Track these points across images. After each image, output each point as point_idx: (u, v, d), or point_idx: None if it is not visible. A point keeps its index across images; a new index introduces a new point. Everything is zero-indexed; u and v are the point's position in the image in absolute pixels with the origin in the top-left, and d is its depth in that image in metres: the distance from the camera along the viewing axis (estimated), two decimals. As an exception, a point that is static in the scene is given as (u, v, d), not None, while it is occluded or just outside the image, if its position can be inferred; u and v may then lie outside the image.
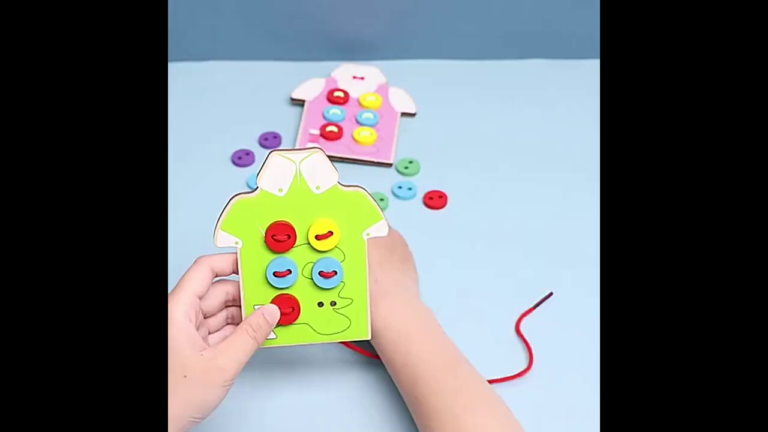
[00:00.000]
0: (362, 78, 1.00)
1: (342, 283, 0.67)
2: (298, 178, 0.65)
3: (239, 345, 0.63)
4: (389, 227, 0.67)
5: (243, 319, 0.66)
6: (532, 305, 0.79)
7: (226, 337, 0.64)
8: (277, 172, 0.64)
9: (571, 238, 0.85)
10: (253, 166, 0.91)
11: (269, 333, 0.65)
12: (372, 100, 0.97)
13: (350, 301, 0.67)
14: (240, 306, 0.66)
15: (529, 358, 0.75)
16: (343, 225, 0.66)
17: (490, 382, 0.70)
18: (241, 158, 0.92)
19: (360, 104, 0.97)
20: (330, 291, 0.67)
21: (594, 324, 0.76)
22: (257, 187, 0.65)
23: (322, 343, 0.69)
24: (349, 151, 0.92)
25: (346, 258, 0.66)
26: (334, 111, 0.96)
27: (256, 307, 0.66)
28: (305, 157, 0.64)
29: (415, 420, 0.68)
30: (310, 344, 0.68)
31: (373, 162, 0.92)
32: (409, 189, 0.89)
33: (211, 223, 0.65)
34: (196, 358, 0.61)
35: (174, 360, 0.60)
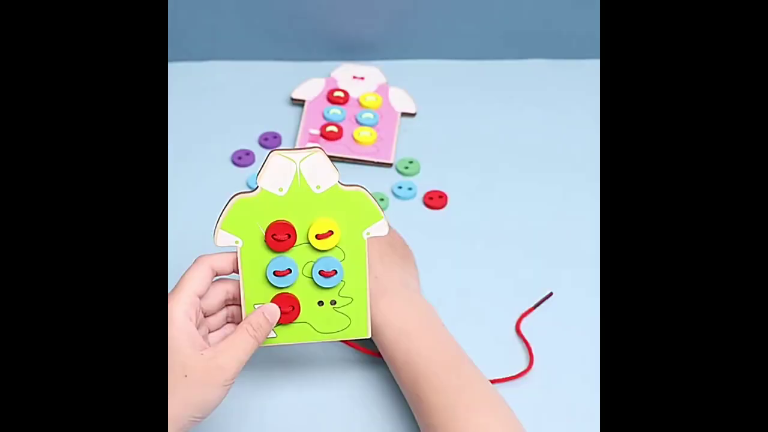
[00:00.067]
0: (362, 78, 1.00)
1: (342, 282, 0.67)
2: (298, 177, 0.65)
3: (239, 344, 0.63)
4: (389, 226, 0.67)
5: (243, 318, 0.66)
6: (532, 305, 0.79)
7: (226, 336, 0.64)
8: (277, 172, 0.64)
9: (571, 238, 0.85)
10: (253, 166, 0.91)
11: (269, 332, 0.65)
12: (372, 100, 0.97)
13: (350, 300, 0.67)
14: (240, 305, 0.66)
15: (530, 358, 0.75)
16: (344, 224, 0.66)
17: (491, 382, 0.70)
18: (241, 158, 0.92)
19: (360, 104, 0.97)
20: (330, 290, 0.67)
21: (594, 324, 0.76)
22: (257, 187, 0.65)
23: (322, 342, 0.69)
24: (349, 151, 0.92)
25: (346, 257, 0.66)
26: (334, 111, 0.96)
27: (256, 306, 0.66)
28: (305, 157, 0.64)
29: (416, 418, 0.68)
30: (310, 343, 0.68)
31: (373, 162, 0.92)
32: (409, 189, 0.89)
33: (211, 223, 0.65)
34: (196, 358, 0.61)
35: (174, 359, 0.60)
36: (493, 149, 0.94)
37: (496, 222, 0.87)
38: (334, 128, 0.93)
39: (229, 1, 0.98)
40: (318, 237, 0.65)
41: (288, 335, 0.67)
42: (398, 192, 0.89)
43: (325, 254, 0.66)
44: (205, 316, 0.66)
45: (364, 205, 0.66)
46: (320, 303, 0.67)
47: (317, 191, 0.65)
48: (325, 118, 0.95)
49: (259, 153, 0.92)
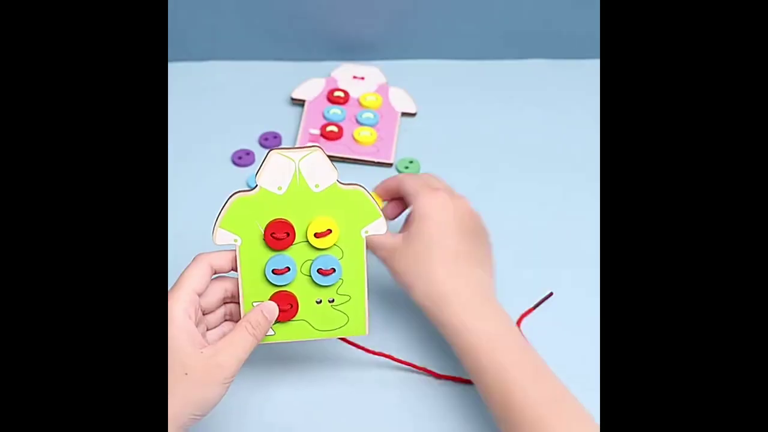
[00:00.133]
0: (362, 78, 1.00)
1: (340, 280, 0.67)
2: (297, 176, 0.65)
3: (239, 342, 0.63)
4: (472, 210, 0.72)
5: (242, 316, 0.66)
6: (532, 305, 0.79)
7: (224, 334, 0.64)
8: (276, 171, 0.65)
9: (571, 238, 0.85)
10: (253, 166, 0.91)
11: (268, 330, 0.66)
12: (372, 100, 0.97)
13: (348, 297, 0.67)
14: (238, 303, 0.67)
15: (529, 358, 0.75)
16: (342, 223, 0.66)
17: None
18: (241, 158, 0.92)
19: (360, 104, 0.97)
20: (328, 288, 0.67)
21: (594, 324, 0.76)
22: (257, 186, 0.65)
23: (320, 340, 0.69)
24: (350, 151, 0.92)
25: (345, 255, 0.67)
26: (335, 111, 0.96)
27: (254, 304, 0.66)
28: (304, 156, 0.64)
29: (501, 428, 0.66)
30: (308, 341, 0.68)
31: (373, 162, 0.92)
32: (409, 189, 0.89)
33: (211, 223, 0.65)
34: (196, 356, 0.61)
35: (174, 358, 0.60)
36: (493, 149, 0.94)
37: (496, 222, 0.87)
38: (334, 128, 0.93)
39: (229, 1, 0.98)
40: (317, 235, 0.66)
41: (286, 333, 0.67)
42: (398, 192, 0.89)
43: (323, 252, 0.66)
44: (203, 314, 0.66)
45: (362, 203, 0.66)
46: (318, 301, 0.67)
47: (316, 190, 0.65)
48: (325, 118, 0.95)
49: (260, 153, 0.92)
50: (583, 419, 0.64)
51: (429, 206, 0.71)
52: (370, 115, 0.96)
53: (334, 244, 0.66)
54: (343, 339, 0.72)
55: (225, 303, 0.67)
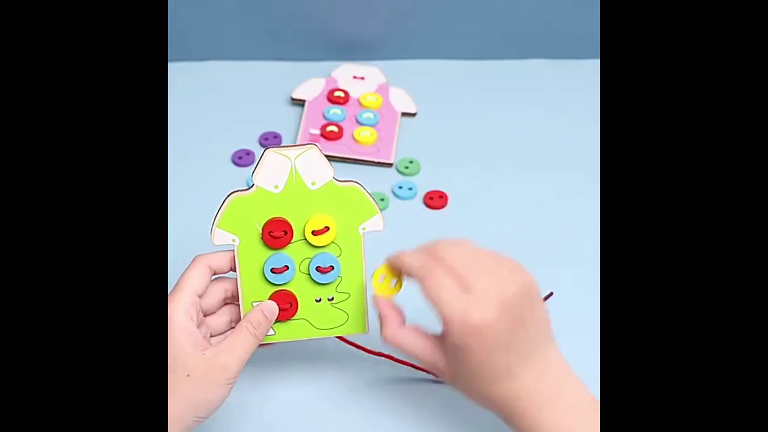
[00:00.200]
0: (362, 78, 1.00)
1: (339, 278, 0.67)
2: (293, 174, 0.65)
3: (240, 343, 0.63)
4: (523, 272, 0.61)
5: (242, 316, 0.66)
6: (532, 305, 0.79)
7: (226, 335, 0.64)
8: (272, 169, 0.65)
9: (571, 238, 0.85)
10: (253, 166, 0.91)
11: (269, 329, 0.66)
12: (372, 100, 0.97)
13: (347, 295, 0.67)
14: (239, 304, 0.67)
15: (530, 358, 0.75)
16: (339, 220, 0.66)
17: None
18: (242, 158, 0.92)
19: (360, 104, 0.97)
20: (327, 286, 0.67)
21: (594, 324, 0.76)
22: (253, 185, 0.65)
23: (320, 338, 0.69)
24: (350, 151, 0.92)
25: (343, 253, 0.67)
26: (335, 111, 0.96)
27: (254, 304, 0.66)
28: (300, 154, 0.65)
29: None
30: (308, 340, 0.68)
31: (373, 162, 0.92)
32: (410, 189, 0.89)
33: (211, 223, 0.65)
34: (197, 357, 0.61)
35: (176, 359, 0.60)
36: (493, 149, 0.94)
37: (496, 222, 0.87)
38: (334, 128, 0.93)
39: (229, 1, 0.98)
40: (314, 233, 0.66)
41: (287, 332, 0.68)
42: (398, 192, 0.89)
43: (321, 250, 0.66)
44: (204, 316, 0.66)
45: (359, 200, 0.66)
46: (318, 300, 0.67)
47: (312, 188, 0.65)
48: (325, 117, 0.95)
49: (260, 153, 0.92)
50: None
51: (460, 335, 0.58)
52: (370, 115, 0.96)
53: (332, 242, 0.66)
54: (342, 339, 0.72)
55: (226, 304, 0.67)
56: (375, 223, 0.67)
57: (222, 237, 0.65)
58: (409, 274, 0.63)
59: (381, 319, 0.64)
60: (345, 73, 1.00)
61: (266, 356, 0.74)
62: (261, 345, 0.66)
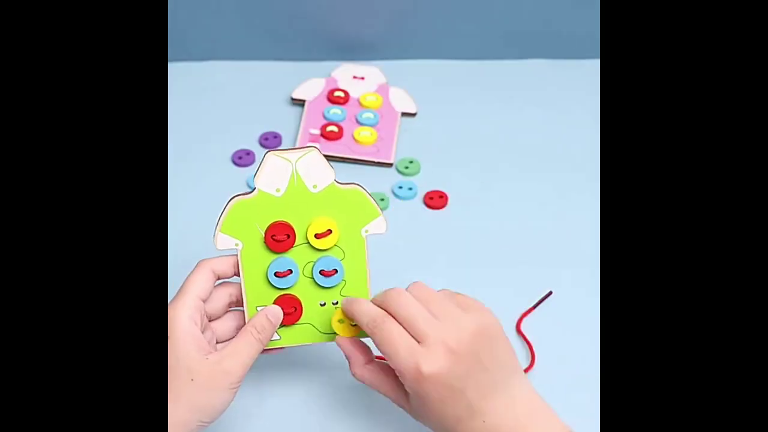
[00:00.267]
0: (362, 78, 1.00)
1: (343, 282, 0.67)
2: (294, 177, 0.65)
3: (244, 347, 0.63)
4: (482, 312, 0.62)
5: (246, 321, 0.66)
6: (532, 305, 0.79)
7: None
8: (273, 172, 0.64)
9: (571, 238, 0.85)
10: (253, 166, 0.91)
11: (273, 334, 0.65)
12: (372, 100, 0.97)
13: None
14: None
15: (531, 357, 0.75)
16: (342, 223, 0.66)
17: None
18: (242, 158, 0.92)
19: (360, 104, 0.97)
20: (331, 290, 0.67)
21: (594, 323, 0.76)
22: (255, 188, 0.65)
23: (325, 343, 0.68)
24: (350, 151, 0.92)
25: (346, 256, 0.66)
26: (335, 111, 0.96)
27: (258, 308, 0.66)
28: (301, 156, 0.64)
29: None
30: (313, 344, 0.68)
31: (373, 162, 0.92)
32: (410, 189, 0.89)
33: (211, 224, 0.65)
34: (201, 362, 0.61)
35: (180, 364, 0.60)
36: (493, 149, 0.94)
37: (496, 222, 0.87)
38: (334, 128, 0.93)
39: (229, 1, 0.98)
40: (317, 236, 0.65)
41: (291, 337, 0.67)
42: (398, 192, 0.89)
43: (324, 254, 0.66)
44: (210, 321, 0.66)
45: (361, 202, 0.66)
46: (322, 303, 0.67)
47: (314, 190, 0.65)
48: (325, 117, 0.95)
49: (260, 153, 0.92)
50: None
51: (414, 383, 0.60)
52: (370, 115, 0.96)
53: (335, 245, 0.66)
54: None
55: (231, 309, 0.67)
56: (378, 225, 0.67)
57: (225, 241, 0.65)
58: (361, 327, 0.64)
59: (347, 358, 0.66)
60: (345, 73, 1.00)
61: (268, 360, 0.72)
62: (266, 350, 0.66)
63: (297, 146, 0.92)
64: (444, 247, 0.84)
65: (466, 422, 0.60)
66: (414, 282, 0.65)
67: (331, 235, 0.66)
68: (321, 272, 0.66)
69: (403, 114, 0.97)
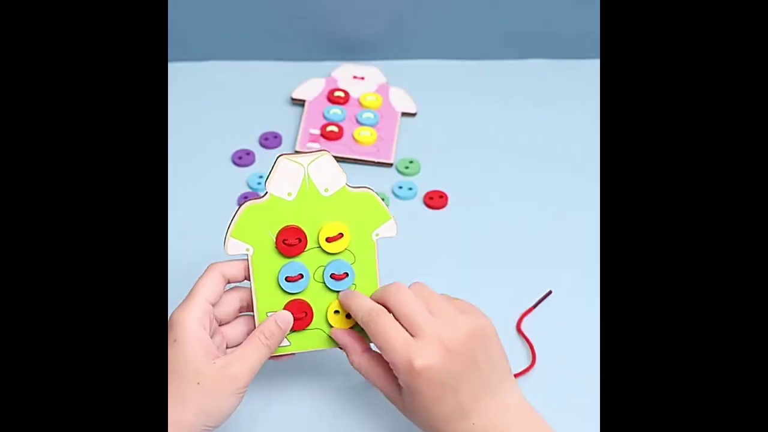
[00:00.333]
0: (362, 78, 1.00)
1: (353, 285, 0.66)
2: (306, 181, 0.65)
3: (251, 353, 0.63)
4: (477, 315, 0.63)
5: (256, 326, 0.65)
6: (531, 305, 0.79)
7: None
8: (285, 177, 0.64)
9: (571, 238, 0.85)
10: (253, 166, 0.91)
11: (282, 339, 0.65)
12: (372, 100, 0.97)
13: None
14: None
15: (532, 357, 0.75)
16: (353, 227, 0.66)
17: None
18: (242, 158, 0.92)
19: (360, 104, 0.97)
20: None
21: (594, 323, 0.76)
22: (266, 193, 0.65)
23: (333, 349, 0.68)
24: (350, 151, 0.92)
25: (357, 260, 0.66)
26: (335, 111, 0.96)
27: (269, 314, 0.65)
28: (313, 160, 0.64)
29: None
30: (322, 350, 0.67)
31: (373, 162, 0.92)
32: (410, 189, 0.89)
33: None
34: (208, 366, 0.60)
35: (188, 367, 0.60)
36: (493, 149, 0.94)
37: (496, 222, 0.87)
38: (334, 128, 0.93)
39: (229, 1, 0.98)
40: (328, 240, 0.65)
41: (301, 343, 0.67)
42: (398, 192, 0.89)
43: (335, 257, 0.66)
44: (219, 325, 0.65)
45: (372, 206, 0.66)
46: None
47: (326, 194, 0.65)
48: (325, 117, 0.95)
49: (260, 153, 0.92)
50: None
51: (407, 376, 0.60)
52: (370, 115, 0.96)
53: (346, 249, 0.66)
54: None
55: (241, 313, 0.67)
56: (388, 228, 0.67)
57: (235, 246, 0.65)
58: (357, 320, 0.65)
59: (344, 349, 0.66)
60: (345, 73, 1.00)
61: (279, 365, 0.71)
62: (275, 357, 0.66)
63: (298, 147, 0.92)
64: (444, 247, 0.84)
65: (457, 422, 0.60)
66: (415, 282, 0.65)
67: (342, 238, 0.65)
68: (332, 276, 0.66)
69: (403, 114, 0.97)
